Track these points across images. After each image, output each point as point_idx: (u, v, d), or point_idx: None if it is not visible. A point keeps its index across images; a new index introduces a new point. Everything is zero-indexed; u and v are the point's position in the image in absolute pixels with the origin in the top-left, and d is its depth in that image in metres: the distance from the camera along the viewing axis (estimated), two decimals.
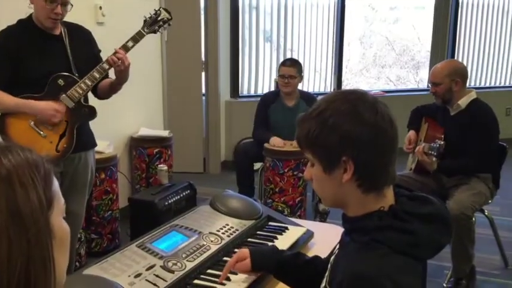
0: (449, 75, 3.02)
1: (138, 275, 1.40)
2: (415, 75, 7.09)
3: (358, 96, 1.15)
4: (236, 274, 1.51)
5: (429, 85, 3.16)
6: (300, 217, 3.72)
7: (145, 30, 2.55)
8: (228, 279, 1.50)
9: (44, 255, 0.72)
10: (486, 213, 3.17)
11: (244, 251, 1.51)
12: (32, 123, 2.41)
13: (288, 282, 1.51)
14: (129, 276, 1.39)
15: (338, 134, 1.11)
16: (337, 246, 1.28)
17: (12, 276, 0.69)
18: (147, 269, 1.44)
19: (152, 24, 2.57)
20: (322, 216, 4.05)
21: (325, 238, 1.89)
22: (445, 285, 3.02)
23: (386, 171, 1.15)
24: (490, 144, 3.00)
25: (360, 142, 1.11)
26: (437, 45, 6.32)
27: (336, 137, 1.11)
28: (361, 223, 1.16)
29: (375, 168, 1.13)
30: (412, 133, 3.31)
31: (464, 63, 6.39)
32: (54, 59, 2.47)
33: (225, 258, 1.63)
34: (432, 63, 6.04)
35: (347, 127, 1.11)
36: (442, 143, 2.88)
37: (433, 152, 2.90)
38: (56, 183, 0.78)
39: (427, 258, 1.18)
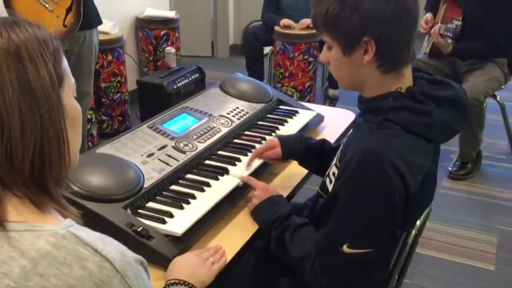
0: None
1: (150, 155, 1.42)
2: None
3: None
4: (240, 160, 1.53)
5: None
6: (309, 102, 3.71)
7: None
8: (236, 162, 1.52)
9: (58, 132, 0.72)
10: (498, 99, 3.14)
11: (274, 140, 1.51)
12: None
13: (311, 167, 1.54)
14: (141, 155, 1.41)
15: (360, 13, 1.06)
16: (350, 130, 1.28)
17: (26, 153, 0.70)
18: (159, 149, 1.46)
19: None
20: (331, 102, 4.05)
21: (335, 122, 1.90)
22: (450, 168, 3.09)
23: (407, 49, 1.12)
24: (511, 26, 2.88)
25: (383, 20, 1.07)
26: None
27: (358, 16, 1.07)
28: (376, 103, 1.15)
29: (396, 47, 1.10)
30: (429, 15, 3.18)
31: None
32: None
33: (235, 140, 1.65)
34: None
35: (369, 5, 1.06)
36: (458, 23, 2.78)
37: (448, 33, 2.80)
38: (65, 62, 0.77)
39: (439, 142, 1.18)
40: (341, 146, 1.28)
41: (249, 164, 1.49)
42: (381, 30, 1.07)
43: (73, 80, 0.78)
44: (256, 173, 1.48)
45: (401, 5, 1.07)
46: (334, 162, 1.25)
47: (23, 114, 0.69)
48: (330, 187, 1.21)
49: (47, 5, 2.35)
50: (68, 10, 2.39)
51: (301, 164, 1.54)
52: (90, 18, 2.54)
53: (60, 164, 0.74)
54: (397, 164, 1.05)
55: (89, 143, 3.14)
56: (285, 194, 1.43)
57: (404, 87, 1.14)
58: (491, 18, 2.83)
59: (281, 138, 1.52)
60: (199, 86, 3.51)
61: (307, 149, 1.51)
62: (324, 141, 1.55)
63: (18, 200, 0.71)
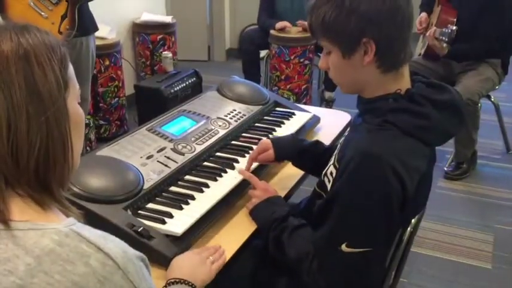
0: None
1: (149, 157, 1.44)
2: None
3: None
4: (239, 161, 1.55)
5: None
6: (305, 104, 3.73)
7: None
8: (234, 163, 1.54)
9: (62, 135, 0.74)
10: (492, 99, 3.17)
11: (266, 142, 1.52)
12: (32, 2, 2.35)
13: (306, 168, 1.56)
14: (140, 157, 1.43)
15: (357, 16, 1.08)
16: (347, 130, 1.30)
17: (32, 153, 0.71)
18: (158, 151, 1.48)
19: None
20: (328, 104, 4.08)
21: (331, 123, 1.92)
22: (446, 168, 3.11)
23: (405, 47, 1.14)
24: (505, 27, 2.91)
25: (379, 21, 1.08)
26: None
27: (355, 19, 1.08)
28: (376, 104, 1.17)
29: (395, 45, 1.12)
30: (424, 15, 3.21)
31: None
32: None
33: (233, 142, 1.67)
34: None
35: (365, 7, 1.08)
36: (454, 28, 2.80)
37: (444, 38, 2.83)
38: (71, 68, 0.79)
39: (435, 145, 1.21)
40: (338, 145, 1.30)
41: (248, 169, 1.50)
42: (379, 29, 1.09)
43: (77, 85, 0.80)
44: (254, 174, 1.49)
45: (395, 5, 1.09)
46: (331, 161, 1.27)
47: (29, 115, 0.71)
48: (329, 186, 1.23)
49: (42, 12, 2.36)
50: (63, 17, 2.39)
51: (294, 164, 1.56)
52: (86, 24, 2.55)
53: (64, 166, 0.76)
54: (396, 167, 1.06)
55: (87, 148, 3.15)
56: (282, 194, 1.45)
57: (403, 89, 1.16)
58: (485, 19, 2.86)
59: (273, 140, 1.54)
60: (196, 89, 3.53)
61: (300, 150, 1.52)
62: (317, 142, 1.56)
63: (21, 199, 0.73)
